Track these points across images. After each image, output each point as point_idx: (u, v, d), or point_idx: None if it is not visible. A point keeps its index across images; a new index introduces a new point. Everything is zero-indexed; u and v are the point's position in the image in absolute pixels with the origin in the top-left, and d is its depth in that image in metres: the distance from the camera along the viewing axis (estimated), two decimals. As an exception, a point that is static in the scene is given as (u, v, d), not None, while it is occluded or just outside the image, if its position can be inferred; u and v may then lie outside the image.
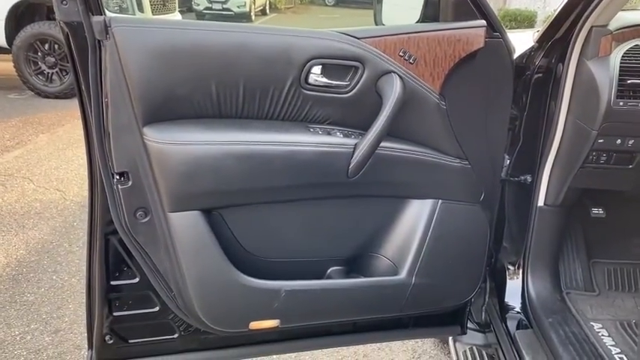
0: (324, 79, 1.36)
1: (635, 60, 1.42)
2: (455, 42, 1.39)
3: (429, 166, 1.49)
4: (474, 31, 1.40)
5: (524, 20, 13.51)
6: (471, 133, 1.53)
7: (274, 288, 1.41)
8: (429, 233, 1.51)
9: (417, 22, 1.52)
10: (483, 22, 1.40)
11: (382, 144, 1.36)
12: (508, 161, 1.78)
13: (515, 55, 1.64)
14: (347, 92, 1.37)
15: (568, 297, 1.76)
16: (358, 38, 1.37)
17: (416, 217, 1.52)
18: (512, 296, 1.76)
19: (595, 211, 1.79)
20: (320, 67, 1.35)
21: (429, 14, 1.50)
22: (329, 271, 1.54)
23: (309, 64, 1.31)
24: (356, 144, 1.36)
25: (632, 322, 1.65)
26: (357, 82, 1.36)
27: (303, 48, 1.32)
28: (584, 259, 1.88)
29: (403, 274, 1.50)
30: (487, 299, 1.83)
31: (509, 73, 1.52)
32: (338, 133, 1.41)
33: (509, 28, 13.13)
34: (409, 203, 1.53)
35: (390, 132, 1.37)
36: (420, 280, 1.51)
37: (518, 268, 1.77)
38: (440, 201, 1.53)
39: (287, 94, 1.34)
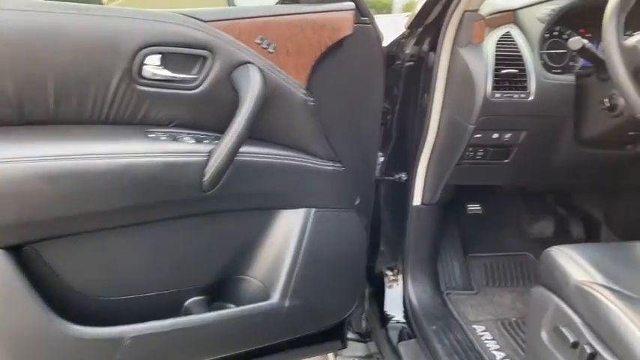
0: (166, 72, 1.09)
1: (509, 48, 1.33)
2: (320, 28, 1.20)
3: (298, 171, 1.29)
4: (341, 16, 1.21)
5: (383, 8, 13.99)
6: (343, 131, 1.36)
7: (114, 336, 1.12)
8: (303, 247, 1.31)
9: (276, 3, 1.30)
10: (352, 4, 1.22)
11: (242, 149, 1.13)
12: (382, 159, 1.64)
13: (385, 43, 1.50)
14: (195, 87, 1.12)
15: (449, 298, 1.68)
16: (205, 21, 1.11)
17: (287, 230, 1.32)
18: (393, 303, 1.63)
19: (471, 207, 1.72)
20: (159, 57, 1.08)
21: (290, -6, 1.29)
22: (187, 303, 1.28)
23: (141, 52, 1.04)
24: (211, 151, 1.11)
25: (512, 321, 1.60)
26: (207, 74, 1.11)
27: (133, 33, 1.04)
28: (461, 256, 1.82)
29: (275, 297, 1.29)
30: (367, 307, 1.69)
31: (379, 63, 1.36)
32: (187, 139, 1.15)
33: (369, 16, 13.57)
34: (278, 215, 1.31)
35: (252, 134, 1.14)
36: (295, 301, 1.31)
37: (397, 273, 1.65)
38: (313, 210, 1.33)
39: (115, 92, 1.05)
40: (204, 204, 1.18)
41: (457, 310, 1.62)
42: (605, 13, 1.13)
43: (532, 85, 1.30)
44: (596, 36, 1.49)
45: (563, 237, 1.92)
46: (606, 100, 1.23)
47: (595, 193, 1.84)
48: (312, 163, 1.30)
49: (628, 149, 1.43)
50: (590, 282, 1.02)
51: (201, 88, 1.12)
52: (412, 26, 1.51)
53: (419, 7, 1.46)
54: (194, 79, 1.11)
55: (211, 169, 1.10)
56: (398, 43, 1.58)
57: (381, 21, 1.42)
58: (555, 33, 1.47)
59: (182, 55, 1.09)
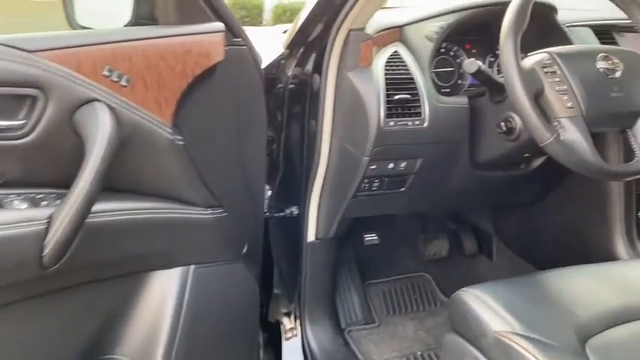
0: (-20, 118, 0.83)
1: (399, 69, 1.21)
2: (185, 54, 0.99)
3: (169, 226, 1.07)
4: (209, 39, 1.01)
5: (253, 8, 13.78)
6: (222, 170, 1.16)
7: None
8: (182, 313, 1.10)
9: (126, 24, 1.06)
10: (221, 25, 1.02)
11: (95, 207, 0.89)
12: (270, 193, 1.46)
13: (263, 65, 1.32)
14: (23, 136, 0.86)
15: (350, 337, 1.55)
16: (31, 51, 0.86)
17: (161, 296, 1.09)
18: (292, 353, 1.46)
19: (368, 237, 1.60)
20: None
21: (143, 13, 1.06)
22: None
23: None
24: (51, 215, 0.86)
25: (418, 355, 1.51)
26: (39, 119, 0.86)
27: None
28: (359, 285, 1.70)
29: None
30: (262, 357, 1.51)
31: (258, 89, 1.18)
32: (17, 202, 0.89)
33: (240, 17, 13.26)
34: (149, 279, 1.09)
35: (106, 187, 0.90)
36: (178, 379, 1.10)
37: (295, 318, 1.48)
38: (191, 267, 1.12)
39: None
40: (49, 282, 0.93)
41: (360, 350, 1.50)
42: (501, 34, 1.05)
43: (426, 111, 1.20)
44: (481, 52, 1.44)
45: (457, 252, 1.88)
46: (502, 123, 1.16)
47: (485, 208, 1.81)
48: (186, 213, 1.09)
49: (521, 169, 1.39)
50: (509, 332, 0.93)
51: (32, 136, 0.86)
52: (292, 46, 1.35)
53: (298, 24, 1.30)
54: (21, 126, 0.85)
55: (53, 239, 0.85)
56: (278, 65, 1.41)
57: (255, 35, 1.24)
58: (442, 50, 1.38)
59: (1, 96, 0.83)
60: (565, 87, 1.03)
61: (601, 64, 1.06)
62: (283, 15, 10.72)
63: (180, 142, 1.05)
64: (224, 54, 1.03)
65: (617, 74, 1.07)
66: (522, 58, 1.05)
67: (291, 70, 1.35)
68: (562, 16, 1.41)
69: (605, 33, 1.44)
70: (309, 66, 1.31)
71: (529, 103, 0.99)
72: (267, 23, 11.64)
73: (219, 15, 1.05)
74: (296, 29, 1.31)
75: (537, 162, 1.37)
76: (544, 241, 1.64)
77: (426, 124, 1.20)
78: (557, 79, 1.04)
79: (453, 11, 1.29)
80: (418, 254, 1.83)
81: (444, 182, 1.35)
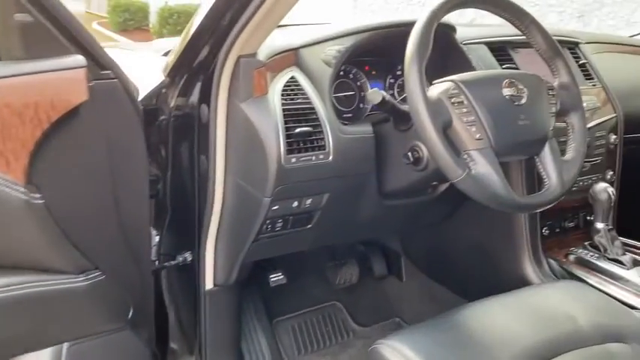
0: None
1: (297, 98, 1.09)
2: (37, 97, 0.80)
3: (34, 300, 0.88)
4: (68, 76, 0.84)
5: (138, 11, 13.06)
6: (95, 226, 0.98)
7: None
8: None
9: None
10: (81, 58, 0.85)
11: None
12: (157, 238, 1.29)
13: (142, 95, 1.15)
14: None
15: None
16: None
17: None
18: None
19: (274, 278, 1.47)
20: None
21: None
22: None
23: None
24: None
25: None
26: None
27: None
28: (267, 325, 1.57)
29: None
30: None
31: (135, 125, 1.02)
32: None
33: (124, 21, 12.51)
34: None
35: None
36: None
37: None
38: (65, 346, 0.94)
39: None
40: None
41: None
42: (405, 61, 0.96)
43: (330, 144, 1.09)
44: (381, 74, 1.36)
45: (367, 275, 1.80)
46: (409, 154, 1.09)
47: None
48: (53, 284, 0.90)
49: (428, 193, 1.33)
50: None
51: None
52: (173, 72, 1.18)
53: (178, 48, 1.14)
54: None
55: None
56: (159, 94, 1.24)
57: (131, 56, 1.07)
58: (341, 73, 1.29)
59: None
60: (473, 117, 0.97)
61: (507, 91, 1.02)
62: (170, 18, 10.25)
63: (39, 202, 0.86)
64: (88, 92, 0.86)
65: (523, 101, 1.02)
66: (428, 86, 0.98)
67: (174, 101, 1.19)
68: (459, 34, 1.38)
69: (500, 50, 1.42)
70: (195, 96, 1.16)
71: (438, 137, 0.92)
72: (154, 27, 11.08)
73: (79, 45, 0.87)
74: (176, 55, 1.14)
75: (445, 186, 1.31)
76: (453, 261, 1.61)
77: (330, 158, 1.09)
78: (464, 110, 0.97)
79: (351, 33, 1.19)
80: (328, 283, 1.73)
81: (353, 214, 1.26)
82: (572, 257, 1.37)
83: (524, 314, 1.04)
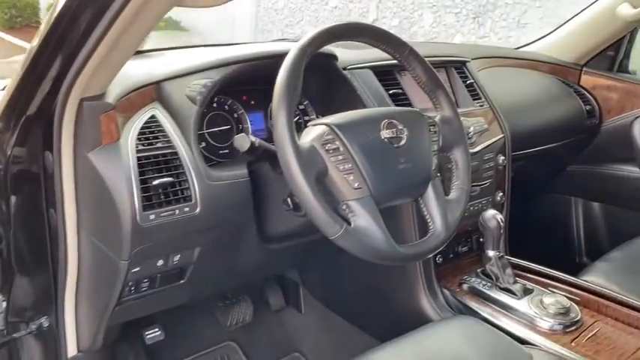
0: None
1: (157, 142, 0.95)
2: None
3: None
4: None
5: (26, 7, 12.08)
6: None
7: None
8: None
9: None
10: None
11: None
12: (4, 304, 1.10)
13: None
14: None
15: None
16: None
17: None
18: None
19: (150, 334, 1.32)
20: None
21: None
22: None
23: None
24: None
25: None
26: None
27: None
28: None
29: None
30: None
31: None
32: None
33: (10, 18, 11.53)
34: None
35: None
36: None
37: None
38: None
39: None
40: None
41: None
42: (272, 103, 0.86)
43: (196, 194, 0.96)
44: (262, 104, 1.25)
45: (263, 309, 1.70)
46: (288, 199, 0.98)
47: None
48: None
49: (317, 232, 1.24)
50: None
51: None
52: (6, 117, 1.00)
53: (9, 87, 0.96)
54: None
55: None
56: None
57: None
58: (214, 105, 1.16)
59: None
60: (350, 165, 0.89)
61: (385, 134, 0.94)
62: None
63: None
64: None
65: (402, 142, 0.95)
66: (303, 128, 0.88)
67: (10, 149, 1.01)
68: (342, 59, 1.30)
69: (386, 73, 1.36)
70: (38, 142, 0.98)
71: (311, 192, 0.82)
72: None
73: None
74: (9, 93, 0.97)
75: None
76: (350, 293, 1.54)
77: (198, 210, 0.97)
78: (340, 157, 0.88)
79: (218, 65, 1.07)
80: (219, 325, 1.60)
81: (233, 263, 1.15)
82: (465, 287, 1.33)
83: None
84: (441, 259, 1.38)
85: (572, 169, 2.08)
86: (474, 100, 1.50)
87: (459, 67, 1.55)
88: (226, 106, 1.18)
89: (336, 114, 0.95)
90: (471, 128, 1.38)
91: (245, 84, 1.18)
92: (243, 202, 1.04)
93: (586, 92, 1.97)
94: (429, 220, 0.99)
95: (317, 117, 1.32)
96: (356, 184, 0.88)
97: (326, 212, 0.83)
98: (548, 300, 1.21)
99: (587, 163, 2.04)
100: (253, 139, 0.91)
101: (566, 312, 1.18)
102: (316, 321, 1.66)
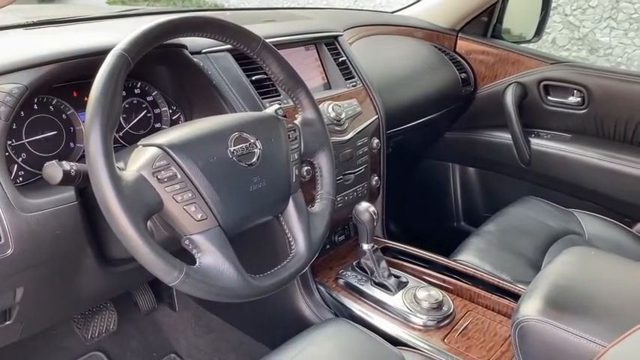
0: None
1: None
2: None
3: None
4: None
5: None
6: None
7: None
8: None
9: None
10: None
11: None
12: None
13: None
14: None
15: None
16: None
17: None
18: None
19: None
20: None
21: None
22: None
23: None
24: None
25: None
26: None
27: None
28: None
29: None
30: None
31: None
32: None
33: None
34: None
35: None
36: None
37: None
38: None
39: None
40: None
41: None
42: (84, 127, 0.70)
43: (6, 230, 0.79)
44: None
45: (132, 312, 1.55)
46: None
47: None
48: None
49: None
50: None
51: None
52: None
53: None
54: None
55: None
56: None
57: None
58: (35, 107, 0.96)
59: None
60: (191, 194, 0.75)
61: (234, 150, 0.81)
62: None
63: None
64: None
65: (254, 159, 0.83)
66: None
67: None
68: (197, 41, 1.13)
69: (247, 57, 1.21)
70: None
71: (138, 235, 0.68)
72: None
73: None
74: None
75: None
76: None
77: (10, 251, 0.79)
78: (177, 187, 0.75)
79: (27, 67, 0.86)
80: (79, 338, 1.44)
81: (73, 292, 0.99)
82: (341, 282, 1.28)
83: None
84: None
85: (449, 135, 2.09)
86: (346, 80, 1.40)
87: (330, 42, 1.43)
88: (51, 107, 0.99)
89: (174, 130, 0.81)
90: (343, 114, 1.29)
91: (75, 78, 0.99)
92: (73, 230, 0.88)
93: (462, 59, 1.95)
94: (290, 239, 0.90)
95: (170, 109, 1.15)
96: (199, 216, 0.76)
97: (159, 257, 0.70)
98: (421, 294, 1.18)
99: (463, 129, 2.05)
100: (68, 166, 0.74)
101: (438, 306, 1.16)
102: (192, 320, 1.55)
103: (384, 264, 1.25)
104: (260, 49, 0.90)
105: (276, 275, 0.86)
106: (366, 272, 1.26)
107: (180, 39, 1.05)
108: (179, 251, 0.77)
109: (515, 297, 1.18)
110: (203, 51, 1.14)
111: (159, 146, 0.75)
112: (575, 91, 1.78)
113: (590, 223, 1.62)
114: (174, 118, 1.16)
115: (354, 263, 1.31)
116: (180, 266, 0.72)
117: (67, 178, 0.74)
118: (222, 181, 0.78)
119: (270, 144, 0.86)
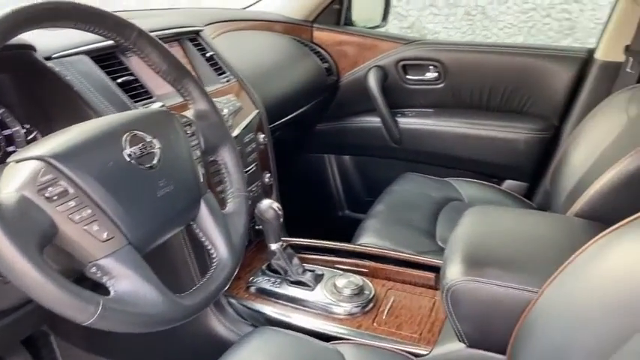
0: None
1: None
2: None
3: None
4: None
5: None
6: None
7: None
8: None
9: None
10: None
11: None
12: None
13: None
14: None
15: None
16: None
17: None
18: None
19: None
20: None
21: None
22: None
23: None
24: None
25: None
26: None
27: None
28: None
29: None
30: None
31: None
32: None
33: None
34: None
35: None
36: None
37: None
38: None
39: None
40: None
41: None
42: None
43: None
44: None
45: None
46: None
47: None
48: None
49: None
50: None
51: None
52: None
53: None
54: None
55: None
56: None
57: None
58: None
59: None
60: (90, 211, 0.62)
61: (130, 151, 0.69)
62: None
63: None
64: None
65: (155, 160, 0.71)
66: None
67: None
68: (49, 47, 0.96)
69: (108, 58, 1.06)
70: None
71: (35, 268, 0.54)
72: None
73: None
74: None
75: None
76: (119, 333, 1.26)
77: None
78: (72, 204, 0.60)
79: None
80: None
81: None
82: (253, 289, 1.18)
83: None
84: None
85: (321, 127, 2.08)
86: (218, 75, 1.31)
87: (193, 37, 1.33)
88: None
89: (52, 138, 0.66)
90: (225, 110, 1.20)
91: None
92: None
93: (321, 49, 1.96)
94: (209, 247, 0.79)
95: (23, 128, 0.96)
96: (104, 235, 0.62)
97: (67, 292, 0.56)
98: (340, 282, 1.14)
99: (333, 119, 2.06)
100: None
101: (360, 291, 1.13)
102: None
103: (296, 260, 1.18)
104: (136, 37, 0.78)
105: (203, 289, 0.74)
106: (279, 273, 1.18)
107: (25, 38, 0.88)
108: (77, 282, 0.63)
109: (428, 267, 1.19)
110: (54, 56, 0.97)
111: (39, 158, 0.60)
112: (430, 67, 1.88)
113: (466, 188, 1.71)
114: (29, 138, 0.97)
115: (263, 267, 1.23)
116: (94, 299, 0.58)
117: None
118: (125, 190, 0.65)
119: (168, 142, 0.74)
